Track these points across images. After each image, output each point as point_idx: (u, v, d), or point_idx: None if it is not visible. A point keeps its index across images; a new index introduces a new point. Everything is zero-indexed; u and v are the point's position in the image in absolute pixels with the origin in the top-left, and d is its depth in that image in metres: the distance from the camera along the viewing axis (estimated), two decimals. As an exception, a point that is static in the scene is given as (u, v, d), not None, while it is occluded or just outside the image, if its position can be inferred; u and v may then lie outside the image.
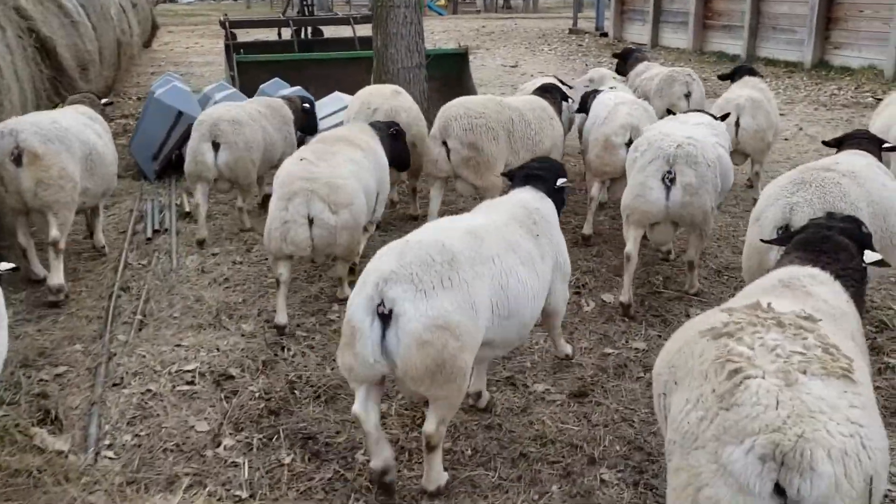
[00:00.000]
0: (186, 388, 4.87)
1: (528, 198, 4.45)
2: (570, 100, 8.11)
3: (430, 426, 3.59)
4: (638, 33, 25.18)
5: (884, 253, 3.92)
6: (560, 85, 8.33)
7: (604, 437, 4.34)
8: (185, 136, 8.00)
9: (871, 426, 2.33)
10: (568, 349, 5.09)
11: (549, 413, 4.58)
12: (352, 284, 4.04)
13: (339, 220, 5.44)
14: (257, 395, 4.75)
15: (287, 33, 15.04)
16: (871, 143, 5.30)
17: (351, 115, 7.74)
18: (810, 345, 2.49)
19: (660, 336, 5.46)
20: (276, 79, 10.29)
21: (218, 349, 5.32)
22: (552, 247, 4.31)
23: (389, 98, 7.68)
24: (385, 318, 3.42)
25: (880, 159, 5.19)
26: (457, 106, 6.86)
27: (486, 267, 3.69)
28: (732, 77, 8.87)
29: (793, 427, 2.24)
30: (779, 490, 2.26)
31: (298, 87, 9.72)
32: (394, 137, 6.68)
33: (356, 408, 3.64)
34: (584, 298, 6.13)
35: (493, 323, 3.74)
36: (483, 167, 6.68)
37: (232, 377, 4.97)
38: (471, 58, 22.88)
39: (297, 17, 15.79)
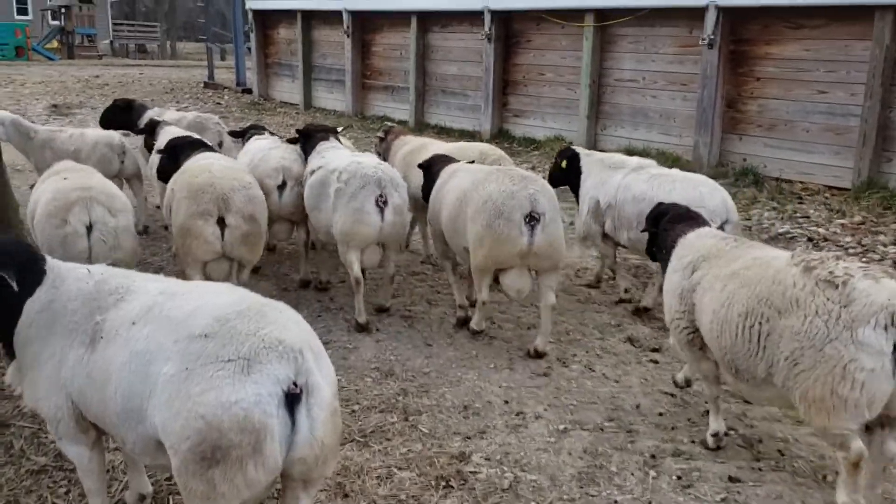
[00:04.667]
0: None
1: None
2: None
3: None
4: (288, 91, 21.13)
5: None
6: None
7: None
8: None
9: None
10: None
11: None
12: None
13: (120, 224, 5.43)
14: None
15: None
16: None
17: None
18: (855, 264, 3.59)
19: None
20: None
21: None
22: None
23: None
24: (292, 400, 2.82)
25: None
26: (229, 179, 5.71)
27: None
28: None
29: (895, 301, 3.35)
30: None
31: None
32: None
33: None
34: None
35: None
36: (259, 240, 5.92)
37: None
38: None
39: None
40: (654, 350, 5.74)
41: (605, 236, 6.62)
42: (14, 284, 3.14)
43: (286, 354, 2.83)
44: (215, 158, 6.13)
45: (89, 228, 5.25)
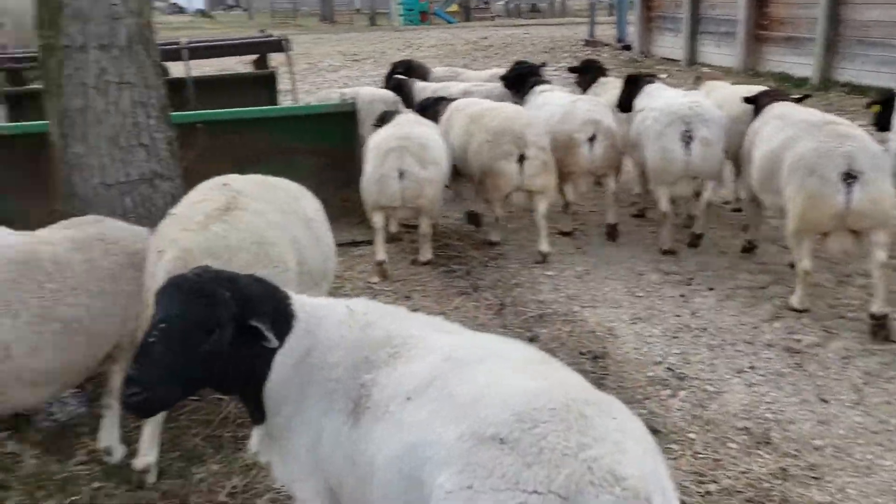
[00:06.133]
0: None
1: None
2: None
3: None
4: (670, 47, 19.45)
5: None
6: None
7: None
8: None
9: None
10: None
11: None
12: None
13: (428, 175, 6.02)
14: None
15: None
16: None
17: None
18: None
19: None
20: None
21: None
22: None
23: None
24: None
25: None
26: (525, 115, 6.67)
27: None
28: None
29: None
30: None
31: None
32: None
33: None
34: None
35: None
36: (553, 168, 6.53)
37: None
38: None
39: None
40: None
41: None
42: (272, 337, 2.41)
43: (627, 501, 1.89)
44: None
45: (401, 174, 5.92)
